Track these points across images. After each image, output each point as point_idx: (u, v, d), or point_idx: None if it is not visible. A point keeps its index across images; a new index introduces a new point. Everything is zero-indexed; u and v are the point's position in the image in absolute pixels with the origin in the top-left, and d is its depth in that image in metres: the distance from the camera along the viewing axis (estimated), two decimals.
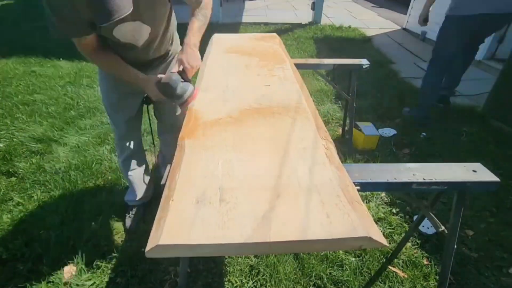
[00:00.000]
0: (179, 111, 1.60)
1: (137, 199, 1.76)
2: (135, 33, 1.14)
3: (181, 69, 1.10)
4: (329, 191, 0.69)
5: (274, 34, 1.92)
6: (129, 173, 1.67)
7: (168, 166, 0.83)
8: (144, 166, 1.75)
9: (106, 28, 1.03)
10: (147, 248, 0.57)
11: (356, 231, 0.58)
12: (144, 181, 1.76)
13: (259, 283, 1.45)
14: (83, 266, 1.49)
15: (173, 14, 1.31)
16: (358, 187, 0.85)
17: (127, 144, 1.58)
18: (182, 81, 1.07)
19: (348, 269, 1.51)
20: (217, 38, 1.83)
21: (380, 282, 1.46)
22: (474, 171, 0.89)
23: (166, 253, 0.58)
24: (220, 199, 0.66)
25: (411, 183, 0.86)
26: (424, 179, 0.85)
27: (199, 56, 1.16)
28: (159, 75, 1.11)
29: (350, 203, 0.66)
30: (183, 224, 0.60)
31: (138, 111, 1.51)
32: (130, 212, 1.76)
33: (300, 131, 0.92)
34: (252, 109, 1.04)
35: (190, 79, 1.11)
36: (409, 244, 1.64)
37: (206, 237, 0.58)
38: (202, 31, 1.23)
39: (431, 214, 1.04)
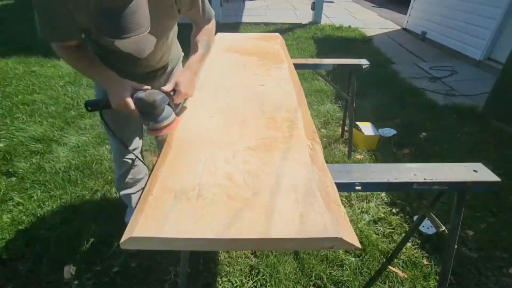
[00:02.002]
0: None
1: None
2: (140, 44, 1.05)
3: (171, 91, 0.98)
4: (306, 191, 0.69)
5: (277, 34, 1.92)
6: (131, 190, 1.53)
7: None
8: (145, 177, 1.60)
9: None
10: (122, 240, 0.59)
11: (327, 232, 0.59)
12: None
13: (259, 283, 1.45)
14: (83, 266, 1.49)
15: None
16: (359, 187, 0.85)
17: (128, 157, 1.41)
18: (167, 105, 0.92)
19: (348, 269, 1.51)
20: (219, 37, 1.83)
21: (380, 282, 1.46)
22: (475, 171, 0.89)
23: (140, 245, 0.60)
24: (197, 195, 0.67)
25: (411, 183, 0.86)
26: (424, 179, 0.85)
27: (196, 86, 1.08)
28: (144, 88, 0.94)
29: (326, 203, 0.66)
30: (158, 218, 0.62)
31: None
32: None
33: (288, 131, 0.93)
34: (242, 108, 1.04)
35: (173, 107, 0.97)
36: (409, 244, 1.64)
37: (178, 231, 0.59)
38: (204, 60, 1.15)
39: (431, 214, 1.04)
